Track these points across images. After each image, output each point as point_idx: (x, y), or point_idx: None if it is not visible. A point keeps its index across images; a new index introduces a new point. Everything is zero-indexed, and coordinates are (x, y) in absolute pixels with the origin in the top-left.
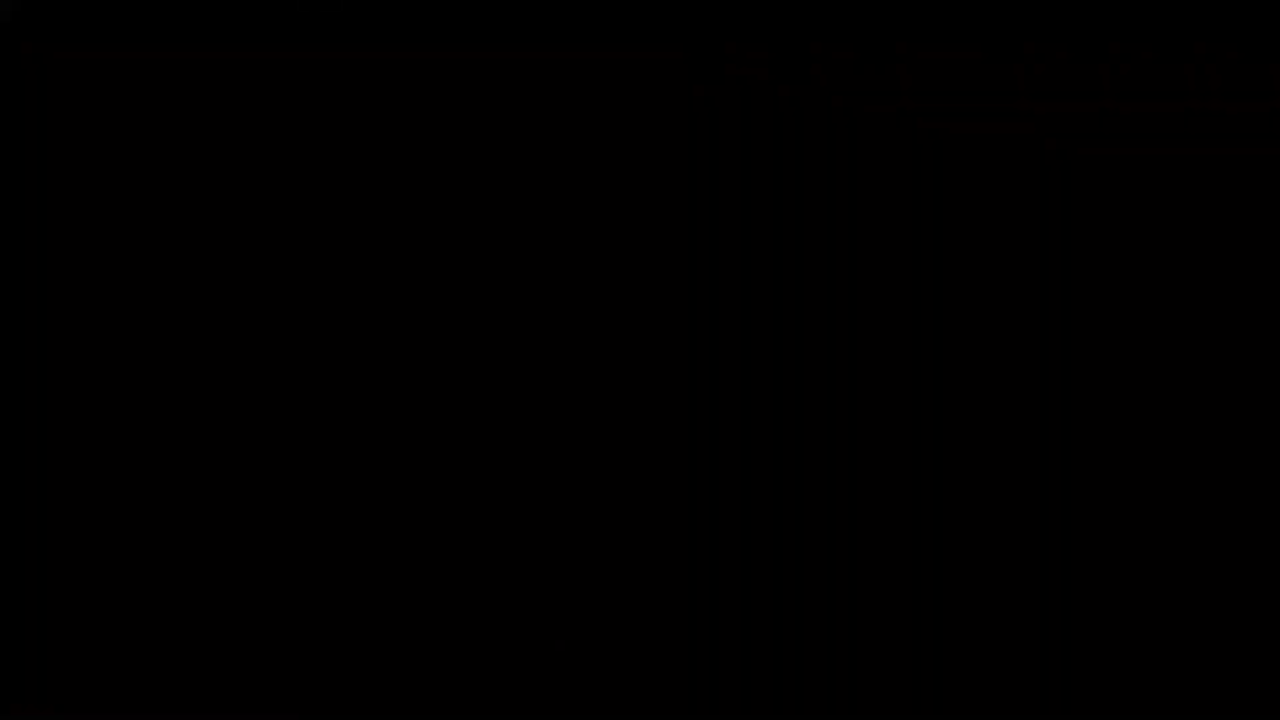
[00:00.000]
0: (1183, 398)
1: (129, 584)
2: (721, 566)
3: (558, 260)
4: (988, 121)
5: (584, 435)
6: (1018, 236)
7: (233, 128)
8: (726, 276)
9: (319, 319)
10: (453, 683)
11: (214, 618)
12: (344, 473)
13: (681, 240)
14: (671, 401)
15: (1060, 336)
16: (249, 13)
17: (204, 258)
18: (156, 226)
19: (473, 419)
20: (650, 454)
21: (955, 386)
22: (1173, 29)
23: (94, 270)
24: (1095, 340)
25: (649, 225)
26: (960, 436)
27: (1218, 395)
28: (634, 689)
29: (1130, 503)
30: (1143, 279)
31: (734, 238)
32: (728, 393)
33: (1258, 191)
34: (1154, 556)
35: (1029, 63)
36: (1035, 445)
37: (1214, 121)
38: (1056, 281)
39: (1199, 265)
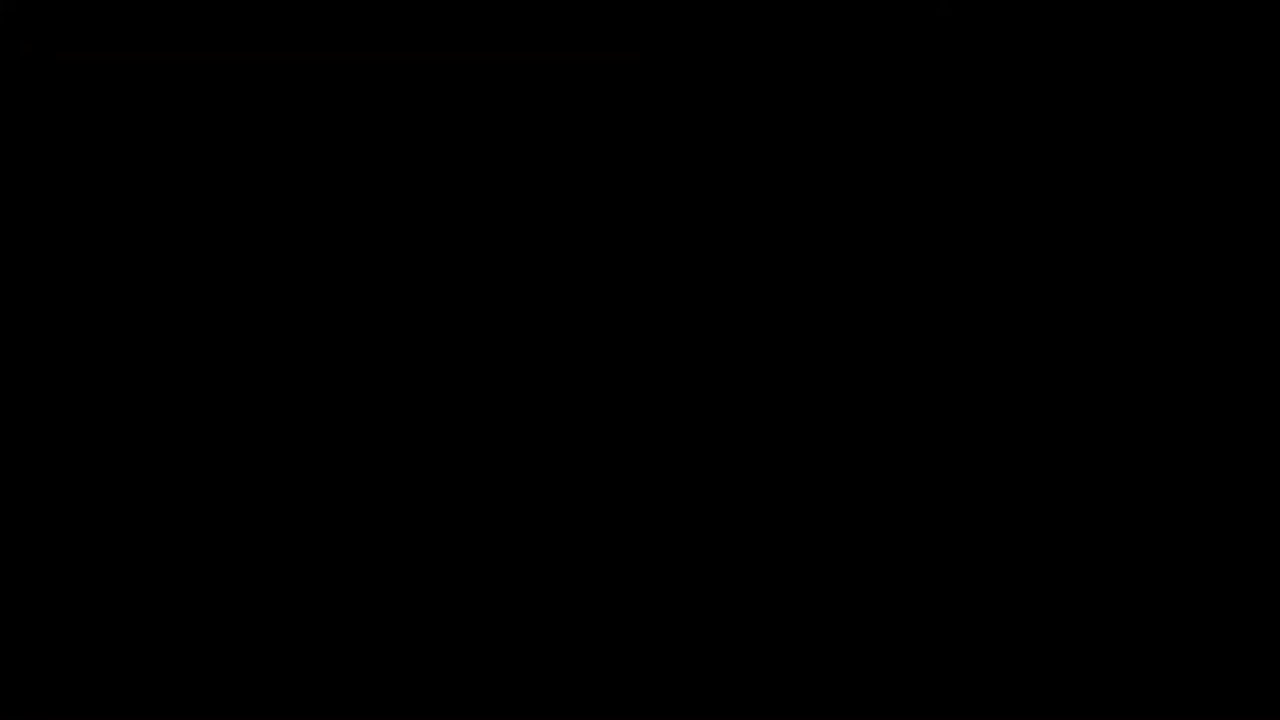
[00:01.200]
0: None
1: (128, 589)
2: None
3: (546, 261)
4: None
5: (579, 434)
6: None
7: (233, 128)
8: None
9: (318, 319)
10: (453, 683)
11: (215, 623)
12: (343, 474)
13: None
14: (666, 401)
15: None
16: (249, 12)
17: (205, 258)
18: (157, 226)
19: (472, 421)
20: (647, 453)
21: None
22: None
23: (94, 270)
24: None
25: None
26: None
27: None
28: (634, 689)
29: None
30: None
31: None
32: (719, 392)
33: None
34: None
35: None
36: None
37: None
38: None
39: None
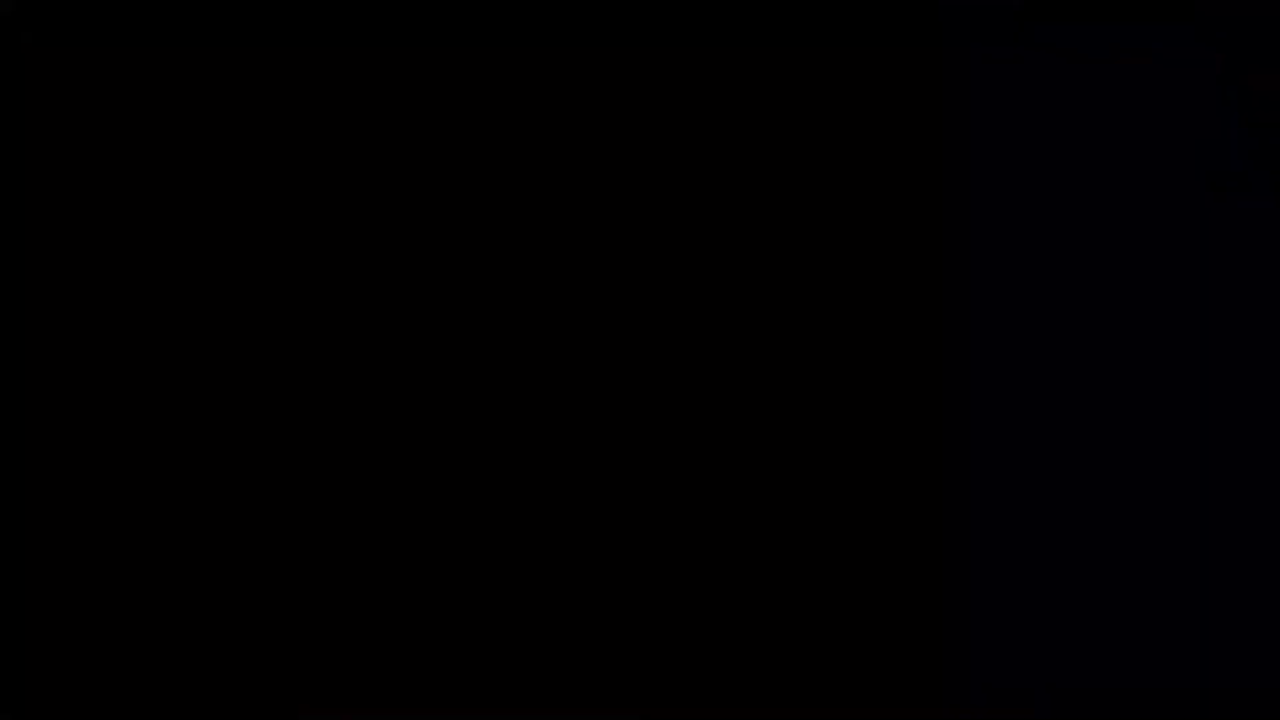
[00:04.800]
0: None
1: (122, 590)
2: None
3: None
4: None
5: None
6: None
7: (232, 127)
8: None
9: (317, 320)
10: (453, 682)
11: (209, 622)
12: (341, 475)
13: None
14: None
15: None
16: (248, 11)
17: (203, 258)
18: (157, 225)
19: (467, 420)
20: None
21: None
22: None
23: (92, 269)
24: None
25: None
26: None
27: None
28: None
29: None
30: None
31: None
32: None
33: None
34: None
35: None
36: None
37: None
38: None
39: None
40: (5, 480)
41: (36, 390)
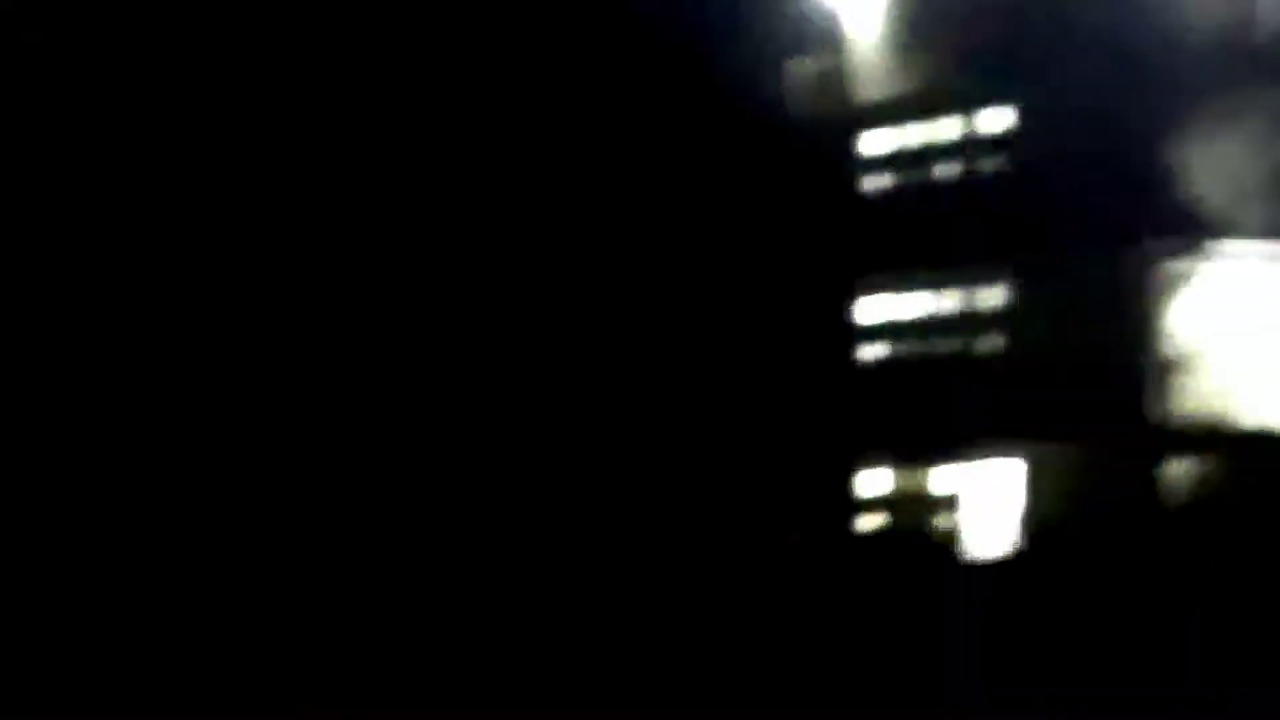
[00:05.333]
0: None
1: (122, 590)
2: None
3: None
4: None
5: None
6: None
7: (231, 126)
8: None
9: (322, 321)
10: (450, 679)
11: (210, 622)
12: (342, 474)
13: None
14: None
15: None
16: (247, 12)
17: (201, 256)
18: (156, 224)
19: (467, 418)
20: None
21: None
22: None
23: (92, 267)
24: None
25: None
26: None
27: None
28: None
29: None
30: None
31: None
32: None
33: None
34: None
35: None
36: None
37: None
38: None
39: None
40: (5, 480)
41: (37, 389)
